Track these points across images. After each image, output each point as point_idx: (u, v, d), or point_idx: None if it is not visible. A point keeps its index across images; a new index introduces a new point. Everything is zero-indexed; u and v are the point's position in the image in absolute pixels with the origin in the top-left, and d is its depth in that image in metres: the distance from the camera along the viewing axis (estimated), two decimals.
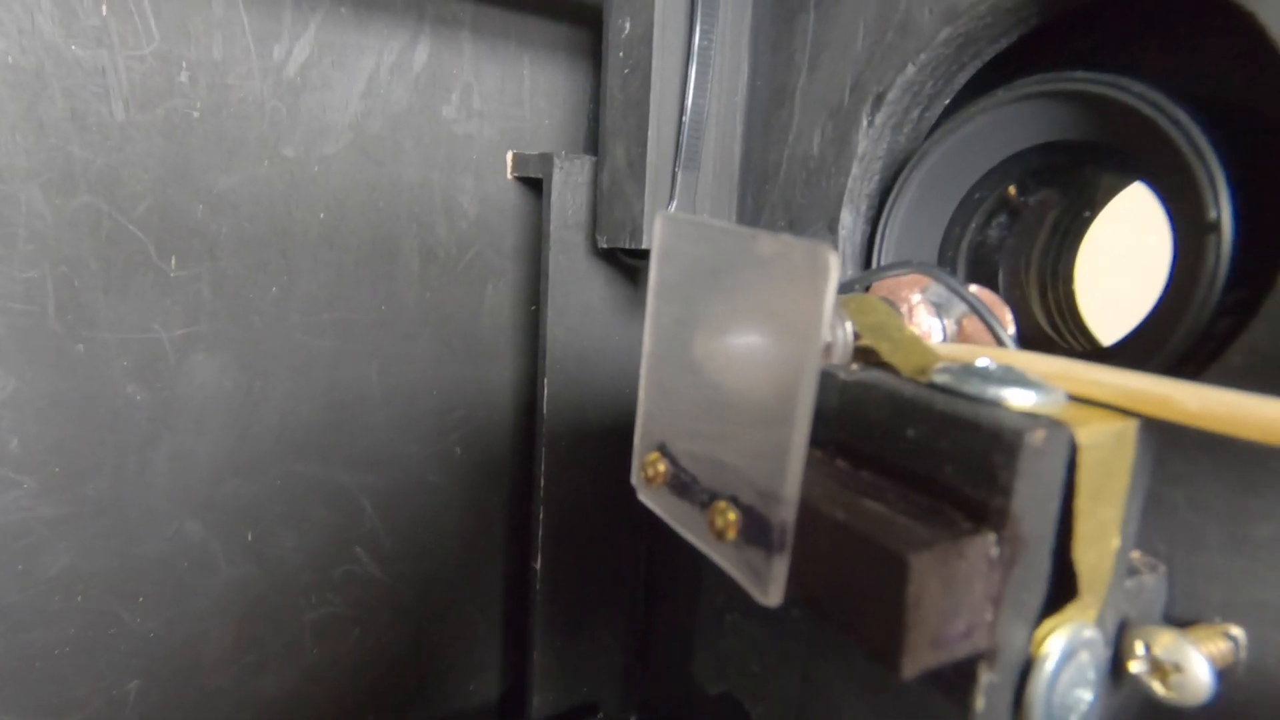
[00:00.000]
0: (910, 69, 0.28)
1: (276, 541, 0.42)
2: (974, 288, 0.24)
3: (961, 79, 0.29)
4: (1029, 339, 0.29)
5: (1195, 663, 0.17)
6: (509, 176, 0.45)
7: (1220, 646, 0.18)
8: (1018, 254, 0.29)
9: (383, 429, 0.44)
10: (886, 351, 0.21)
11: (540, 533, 0.44)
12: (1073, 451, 0.16)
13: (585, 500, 0.45)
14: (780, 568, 0.18)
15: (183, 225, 0.36)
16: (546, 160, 0.41)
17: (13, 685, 0.36)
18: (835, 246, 0.32)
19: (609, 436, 0.45)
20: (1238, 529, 0.18)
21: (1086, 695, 0.17)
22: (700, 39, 0.33)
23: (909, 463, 0.18)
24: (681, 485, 0.21)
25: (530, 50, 0.44)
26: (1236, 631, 0.18)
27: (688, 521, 0.21)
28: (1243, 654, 0.18)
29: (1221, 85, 0.22)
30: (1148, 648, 0.18)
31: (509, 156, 0.45)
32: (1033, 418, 0.16)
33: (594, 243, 0.41)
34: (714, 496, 0.20)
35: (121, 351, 0.36)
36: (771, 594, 0.18)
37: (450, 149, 0.43)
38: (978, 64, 0.28)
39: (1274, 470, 0.18)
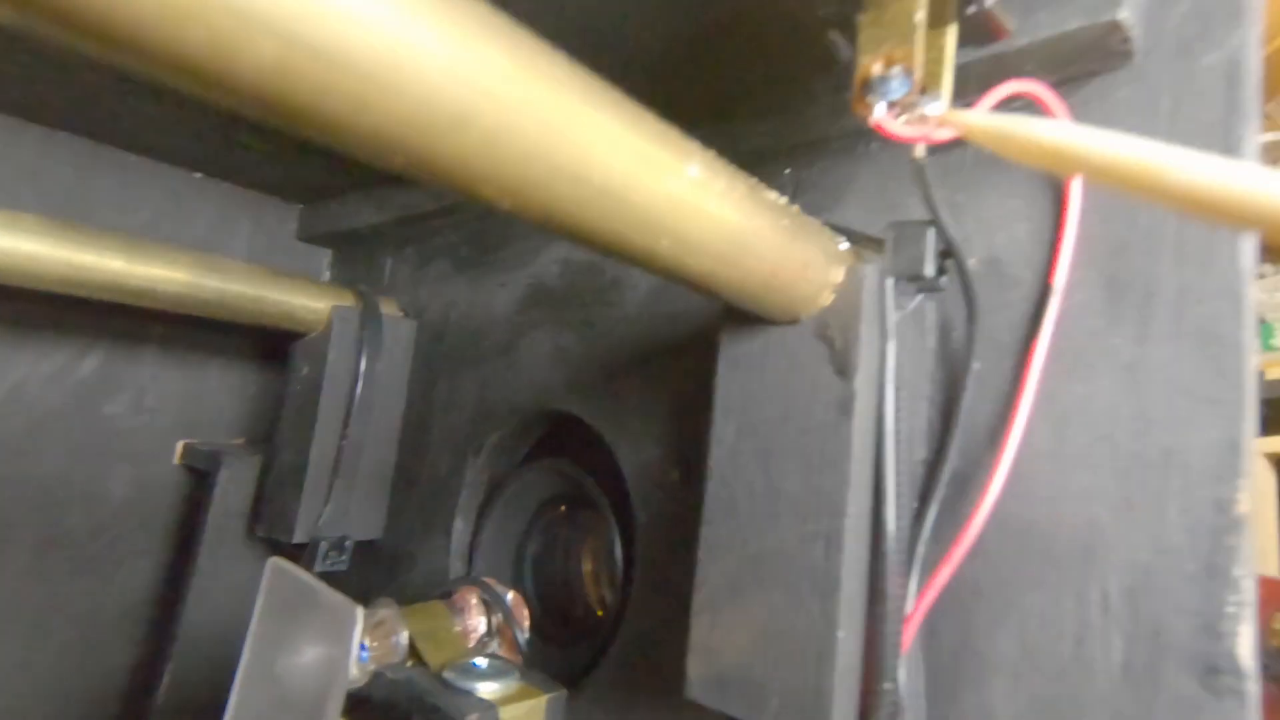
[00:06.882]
0: (495, 435, 0.42)
1: None
2: (510, 594, 0.36)
3: (529, 442, 0.44)
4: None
5: None
6: (175, 463, 0.50)
7: None
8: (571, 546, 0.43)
9: None
10: (428, 651, 0.31)
11: None
12: None
13: None
14: None
15: None
16: (214, 456, 0.47)
17: None
18: (447, 550, 0.43)
19: None
20: None
21: None
22: (362, 389, 0.45)
23: None
24: None
25: (218, 357, 0.52)
26: None
27: None
28: None
29: None
30: None
31: (178, 446, 0.50)
32: (482, 702, 0.27)
33: (252, 531, 0.47)
34: None
35: None
36: None
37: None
38: (537, 433, 0.44)
39: None
